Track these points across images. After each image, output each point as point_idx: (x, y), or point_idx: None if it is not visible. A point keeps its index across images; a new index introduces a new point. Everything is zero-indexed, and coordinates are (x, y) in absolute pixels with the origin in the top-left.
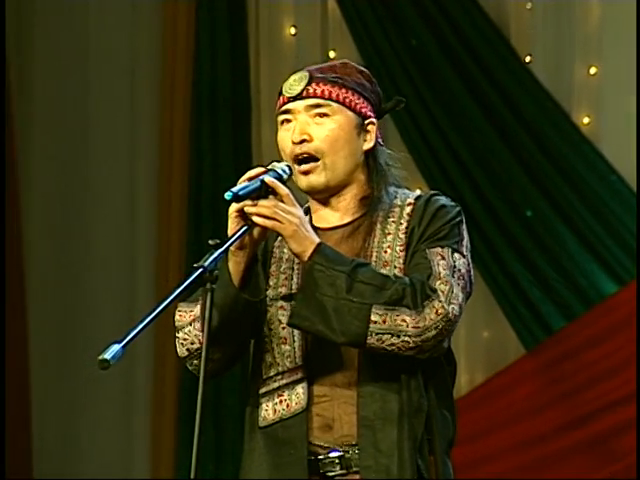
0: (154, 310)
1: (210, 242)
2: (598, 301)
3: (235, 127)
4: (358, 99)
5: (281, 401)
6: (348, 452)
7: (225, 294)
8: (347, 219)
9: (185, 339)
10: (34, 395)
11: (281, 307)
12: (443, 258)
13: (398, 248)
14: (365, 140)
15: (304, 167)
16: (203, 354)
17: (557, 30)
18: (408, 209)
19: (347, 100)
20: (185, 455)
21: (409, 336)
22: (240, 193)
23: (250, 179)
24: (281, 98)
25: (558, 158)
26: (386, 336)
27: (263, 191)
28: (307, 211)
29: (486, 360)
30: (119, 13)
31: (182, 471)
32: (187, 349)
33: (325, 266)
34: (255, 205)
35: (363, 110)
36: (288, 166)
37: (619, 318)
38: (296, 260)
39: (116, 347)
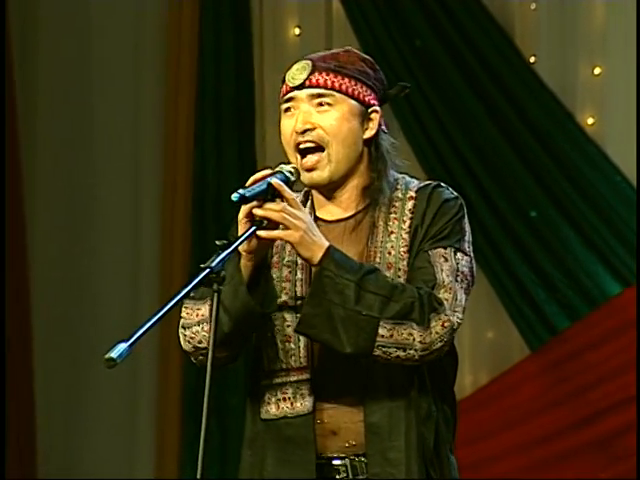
0: (160, 310)
1: (217, 243)
2: (602, 302)
3: (239, 128)
4: (361, 87)
5: (284, 398)
6: (354, 460)
7: (241, 304)
8: (350, 212)
9: (192, 337)
10: (38, 395)
11: (285, 303)
12: (446, 260)
13: (402, 249)
14: (367, 128)
15: (309, 163)
16: (209, 359)
17: (561, 30)
18: (410, 204)
19: (350, 89)
20: (189, 455)
21: (415, 350)
22: (247, 195)
23: (257, 181)
24: (284, 86)
25: (562, 159)
26: (392, 349)
27: (270, 194)
28: (307, 197)
29: (490, 361)
30: (123, 13)
31: (186, 471)
32: (193, 346)
33: (334, 273)
34: (262, 207)
35: (366, 98)
36: (295, 168)
37: (623, 319)
38: (300, 260)
39: (123, 346)
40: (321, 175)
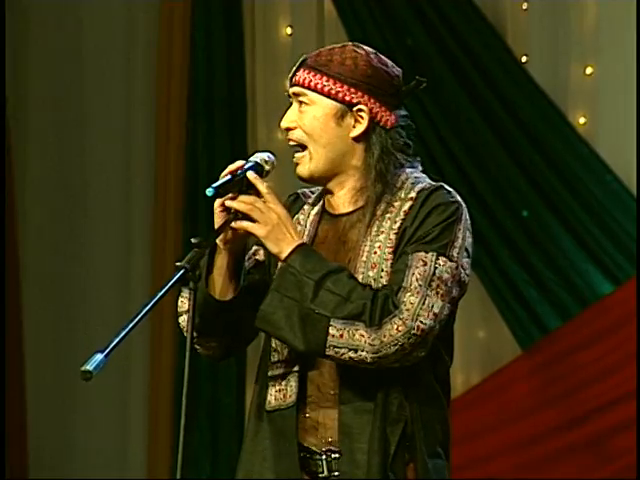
0: (137, 316)
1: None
2: (594, 301)
3: (231, 127)
4: (341, 87)
5: (280, 390)
6: (329, 457)
7: (199, 293)
8: (350, 207)
9: (183, 326)
10: (29, 395)
11: None
12: (425, 264)
13: (387, 250)
14: (354, 127)
15: (294, 159)
16: (187, 359)
17: (553, 30)
18: (407, 206)
19: (325, 88)
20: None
21: (366, 352)
22: (221, 189)
23: (231, 172)
24: None
25: (554, 158)
26: (343, 350)
27: (245, 185)
28: (322, 195)
29: (482, 360)
30: (114, 13)
31: (177, 465)
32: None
33: (298, 270)
34: (234, 200)
35: (347, 97)
36: (269, 156)
37: (615, 318)
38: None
39: (99, 357)
40: (302, 171)
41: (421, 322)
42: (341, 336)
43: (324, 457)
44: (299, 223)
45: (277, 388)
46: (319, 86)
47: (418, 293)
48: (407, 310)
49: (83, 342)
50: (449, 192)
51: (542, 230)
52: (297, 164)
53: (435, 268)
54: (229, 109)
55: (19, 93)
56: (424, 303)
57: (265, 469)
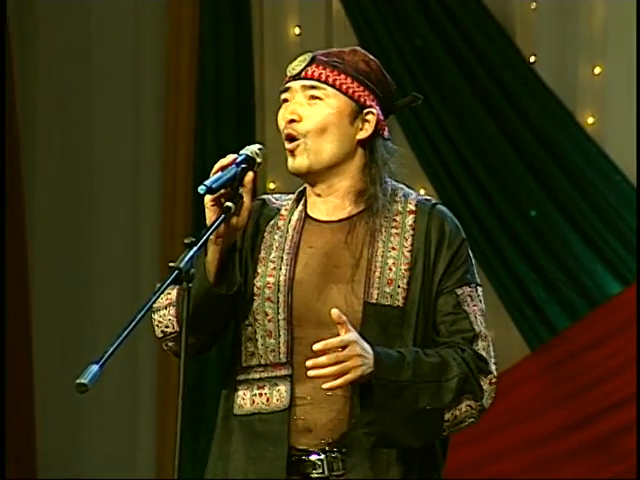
0: (131, 322)
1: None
2: (602, 301)
3: (239, 127)
4: (357, 87)
5: (261, 394)
6: (330, 454)
7: (199, 286)
8: (342, 214)
9: (160, 322)
10: (38, 394)
11: (268, 299)
12: (472, 300)
13: (403, 267)
14: (361, 129)
15: (288, 146)
16: (182, 363)
17: (561, 30)
18: (410, 219)
19: (343, 86)
20: (189, 452)
21: (474, 417)
22: (213, 186)
23: (223, 168)
24: (286, 77)
25: (562, 158)
26: (456, 427)
27: (237, 180)
28: (302, 194)
29: None
30: (122, 13)
31: (186, 469)
32: (162, 331)
33: (390, 380)
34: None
35: (362, 98)
36: (261, 149)
37: (623, 318)
38: (286, 249)
39: (94, 368)
40: (301, 162)
41: (494, 363)
42: (454, 417)
43: (323, 457)
44: (278, 228)
45: (256, 392)
46: (337, 82)
47: (486, 337)
48: (489, 358)
49: (91, 342)
50: (447, 210)
51: (550, 230)
52: (292, 155)
53: (480, 301)
54: (237, 109)
55: (26, 93)
56: (489, 344)
57: (238, 472)
